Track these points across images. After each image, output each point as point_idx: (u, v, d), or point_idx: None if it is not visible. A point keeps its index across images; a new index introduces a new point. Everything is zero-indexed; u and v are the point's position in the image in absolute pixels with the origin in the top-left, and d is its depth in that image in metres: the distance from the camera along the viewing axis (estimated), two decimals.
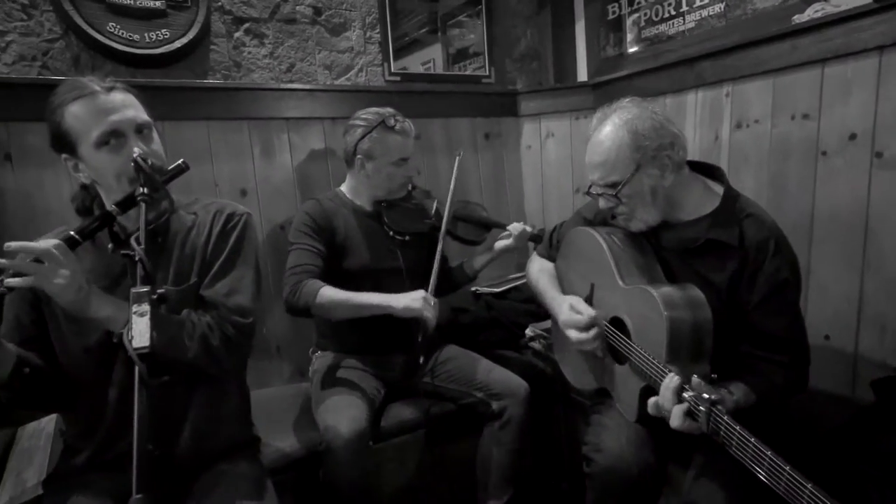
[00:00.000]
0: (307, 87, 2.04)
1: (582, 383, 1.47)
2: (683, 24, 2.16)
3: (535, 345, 2.07)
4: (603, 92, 2.40)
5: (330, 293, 1.54)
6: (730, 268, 1.19)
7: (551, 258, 1.62)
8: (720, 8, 2.02)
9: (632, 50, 2.39)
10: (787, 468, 0.82)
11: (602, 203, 1.28)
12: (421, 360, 1.61)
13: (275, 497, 1.21)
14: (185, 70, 1.88)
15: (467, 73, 2.54)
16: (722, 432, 0.94)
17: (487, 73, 2.56)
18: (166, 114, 1.75)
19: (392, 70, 2.30)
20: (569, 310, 1.35)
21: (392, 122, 1.70)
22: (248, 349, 1.25)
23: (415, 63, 2.42)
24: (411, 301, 1.55)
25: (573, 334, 1.32)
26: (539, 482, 1.91)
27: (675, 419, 1.00)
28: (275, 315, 1.98)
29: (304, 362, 1.91)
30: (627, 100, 1.27)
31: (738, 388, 1.11)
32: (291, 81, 2.08)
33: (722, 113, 1.88)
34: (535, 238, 1.84)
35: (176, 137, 1.80)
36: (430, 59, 2.49)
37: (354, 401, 1.55)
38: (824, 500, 0.77)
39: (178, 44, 1.79)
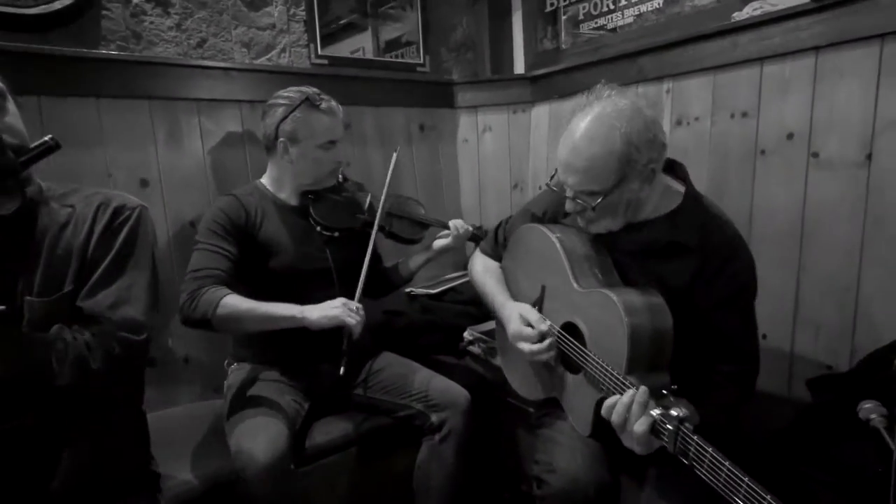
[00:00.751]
0: (221, 65, 1.81)
1: (529, 393, 1.37)
2: (622, 18, 2.12)
3: (475, 349, 1.96)
4: (542, 85, 2.33)
5: (233, 302, 1.34)
6: (689, 270, 1.13)
7: (497, 256, 1.50)
8: (658, 3, 1.99)
9: (569, 43, 2.33)
10: (769, 497, 0.75)
11: (569, 206, 1.16)
12: (342, 371, 1.43)
13: None
14: (69, 38, 1.59)
15: (401, 60, 2.38)
16: (691, 453, 0.86)
17: (422, 61, 2.41)
18: (45, 87, 1.47)
19: (319, 52, 2.11)
20: (518, 320, 1.24)
21: (317, 100, 1.52)
22: (139, 371, 1.04)
23: (343, 51, 2.23)
24: (328, 310, 1.38)
25: (525, 346, 1.21)
26: (481, 494, 1.80)
27: (637, 438, 0.92)
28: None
29: (219, 376, 1.69)
30: (614, 91, 1.10)
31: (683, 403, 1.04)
32: (203, 58, 1.84)
33: (663, 109, 1.85)
34: (475, 238, 1.73)
35: (58, 116, 1.52)
36: (359, 46, 2.30)
37: (272, 419, 1.36)
38: None
39: (58, 4, 1.51)
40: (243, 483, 1.24)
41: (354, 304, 1.43)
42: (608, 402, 0.99)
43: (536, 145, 2.41)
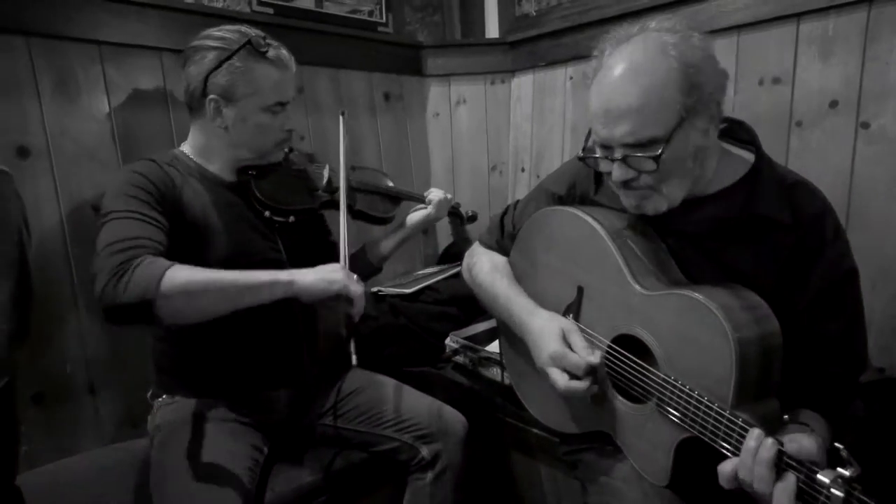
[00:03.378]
0: None
1: (562, 424, 1.06)
2: None
3: (460, 359, 1.65)
4: (523, 51, 2.05)
5: (184, 274, 0.95)
6: (777, 255, 0.87)
7: (504, 251, 1.19)
8: None
9: (553, 4, 2.05)
10: None
11: (618, 172, 0.86)
12: (354, 361, 1.07)
13: None
14: None
15: (361, 17, 2.01)
16: None
17: (384, 20, 2.06)
18: None
19: None
20: (560, 342, 0.93)
21: (263, 45, 1.14)
22: (6, 432, 0.65)
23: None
24: (327, 273, 1.05)
25: (560, 381, 0.91)
26: None
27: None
28: (84, 337, 1.30)
29: (136, 409, 1.29)
30: (657, 21, 0.87)
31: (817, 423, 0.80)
32: None
33: None
34: (455, 213, 1.51)
35: None
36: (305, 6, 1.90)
37: (222, 477, 1.00)
38: None
39: None
40: None
41: (354, 275, 1.09)
42: (726, 468, 0.71)
43: (518, 121, 2.12)
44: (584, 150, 0.93)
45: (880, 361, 1.32)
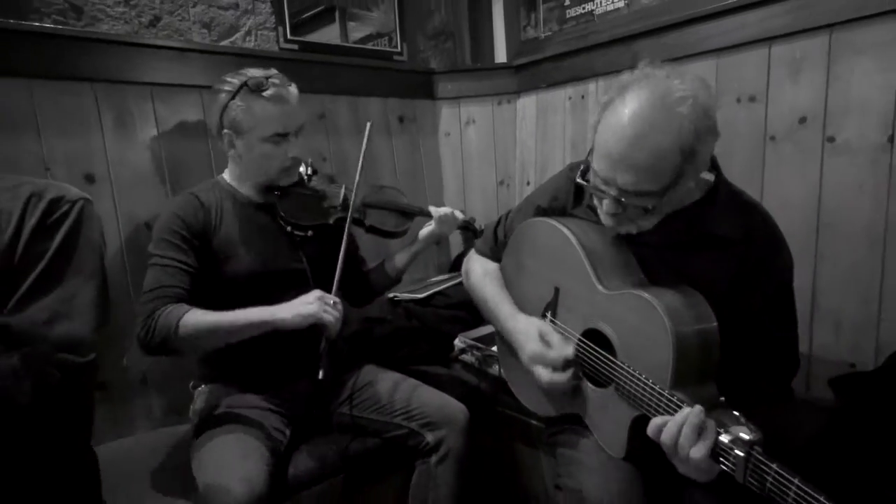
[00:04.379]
0: (177, 44, 1.60)
1: (542, 409, 1.21)
2: (612, 3, 2.02)
3: (467, 358, 1.80)
4: (527, 74, 2.21)
5: (193, 320, 1.18)
6: (729, 266, 1.00)
7: (497, 258, 1.35)
8: None
9: (555, 30, 2.21)
10: None
11: (610, 207, 0.96)
12: (321, 374, 1.25)
13: None
14: None
15: (378, 48, 2.21)
16: (769, 485, 0.72)
17: (399, 49, 2.25)
18: None
19: (289, 36, 1.92)
20: (538, 341, 1.08)
21: (262, 84, 1.30)
22: (87, 400, 0.85)
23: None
24: (300, 307, 1.21)
25: (544, 375, 1.06)
26: None
27: (696, 464, 0.78)
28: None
29: (181, 397, 1.48)
30: (664, 71, 0.90)
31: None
32: (157, 38, 1.62)
33: None
34: (467, 227, 1.60)
35: None
36: (326, 40, 2.11)
37: (251, 450, 1.18)
38: None
39: None
40: None
41: (331, 298, 1.25)
42: (656, 421, 0.85)
43: (523, 138, 2.28)
44: (582, 175, 1.02)
45: (851, 357, 1.42)
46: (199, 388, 1.40)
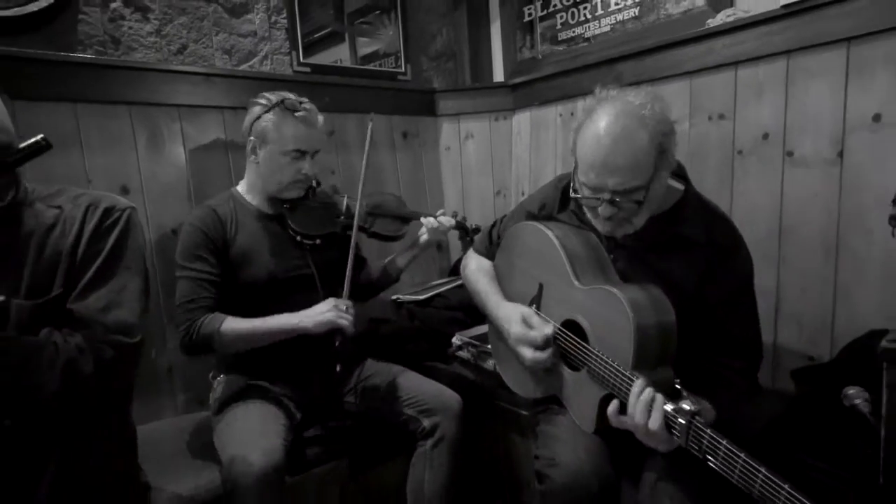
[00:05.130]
0: (202, 70, 1.79)
1: (527, 391, 1.36)
2: (599, 27, 2.18)
3: (464, 354, 1.95)
4: (522, 93, 2.37)
5: (233, 326, 1.39)
6: (694, 266, 1.14)
7: (491, 256, 1.51)
8: (634, 13, 2.06)
9: (548, 52, 2.38)
10: (786, 486, 0.76)
11: (606, 210, 1.08)
12: (338, 368, 1.45)
13: None
14: (44, 41, 1.55)
15: (383, 69, 2.39)
16: (705, 445, 0.87)
17: (403, 70, 2.43)
18: (18, 91, 1.42)
19: (301, 60, 2.10)
20: (521, 324, 1.23)
21: (295, 106, 1.50)
22: (132, 376, 1.01)
23: (323, 61, 2.22)
24: (318, 316, 1.40)
25: (527, 354, 1.21)
26: (475, 501, 1.78)
27: (653, 433, 0.93)
28: (165, 334, 1.69)
29: (202, 389, 1.64)
30: (617, 92, 1.09)
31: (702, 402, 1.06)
32: (184, 64, 1.81)
33: None
34: (461, 227, 1.73)
35: (32, 121, 1.46)
36: (337, 59, 2.30)
37: (268, 427, 1.33)
38: None
39: (33, 7, 1.47)
40: (236, 492, 1.20)
41: (344, 304, 1.42)
42: (616, 403, 0.99)
43: (518, 152, 2.44)
44: (573, 189, 1.16)
45: (811, 352, 1.56)
46: (219, 378, 1.56)
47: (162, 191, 1.71)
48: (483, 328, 2.04)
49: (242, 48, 1.96)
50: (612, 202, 1.07)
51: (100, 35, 1.66)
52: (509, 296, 1.38)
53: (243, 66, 1.95)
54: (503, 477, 1.83)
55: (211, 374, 1.58)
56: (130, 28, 1.72)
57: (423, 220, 1.71)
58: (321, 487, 1.50)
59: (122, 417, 1.08)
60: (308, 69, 2.12)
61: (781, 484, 0.77)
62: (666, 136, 1.05)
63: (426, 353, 1.99)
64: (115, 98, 1.63)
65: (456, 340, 1.99)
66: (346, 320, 1.39)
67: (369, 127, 1.60)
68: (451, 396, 1.58)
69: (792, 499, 0.77)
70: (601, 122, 1.04)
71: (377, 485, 1.61)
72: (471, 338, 1.98)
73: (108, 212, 1.00)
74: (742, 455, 0.83)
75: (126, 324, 0.95)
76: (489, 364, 1.83)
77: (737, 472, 0.83)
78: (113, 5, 1.68)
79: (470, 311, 2.11)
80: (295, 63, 2.09)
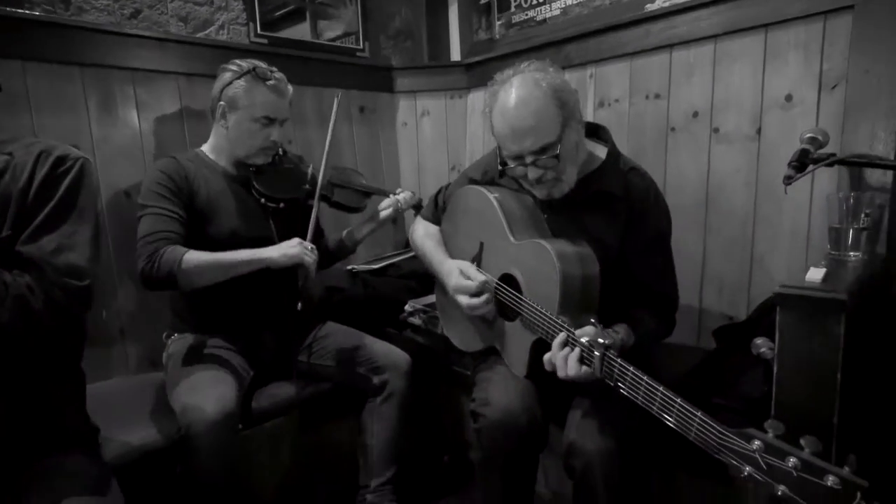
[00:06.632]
0: (158, 35, 1.79)
1: (469, 345, 1.45)
2: (550, 10, 2.28)
3: (415, 320, 2.03)
4: (476, 72, 2.45)
5: (195, 257, 1.39)
6: (616, 219, 1.25)
7: (437, 221, 1.59)
8: None
9: (502, 34, 2.46)
10: (679, 401, 0.87)
11: (533, 173, 1.20)
12: (299, 306, 1.50)
13: (120, 496, 1.03)
14: None
15: (343, 45, 2.43)
16: (616, 373, 0.97)
17: (362, 47, 2.47)
18: None
19: (259, 31, 2.12)
20: (459, 275, 1.32)
21: (266, 74, 1.54)
22: (83, 320, 1.04)
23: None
24: (287, 248, 1.45)
25: (464, 300, 1.30)
26: (421, 457, 1.87)
27: (571, 367, 1.03)
28: (117, 294, 1.70)
29: (155, 349, 1.67)
30: (525, 63, 1.22)
31: (621, 327, 1.17)
32: (138, 29, 1.81)
33: (587, 92, 2.00)
34: (418, 207, 1.80)
35: None
36: (300, 36, 2.31)
37: (221, 377, 1.38)
38: (712, 425, 0.82)
39: None
40: (190, 439, 1.24)
41: (309, 245, 1.48)
42: (546, 356, 1.10)
43: (473, 130, 2.52)
44: (500, 163, 1.27)
45: (730, 312, 1.70)
46: (173, 337, 1.59)
47: (114, 153, 1.72)
48: (434, 296, 2.13)
49: (198, 16, 1.97)
50: (534, 164, 1.18)
51: None
52: (453, 255, 1.46)
53: (199, 35, 1.96)
54: (449, 435, 1.92)
55: (165, 334, 1.61)
56: None
57: (398, 196, 1.74)
58: (273, 441, 1.56)
59: (72, 363, 1.11)
60: (265, 41, 2.14)
61: (674, 398, 0.88)
62: (561, 90, 1.16)
63: (380, 319, 2.06)
64: (67, 58, 1.62)
65: (408, 307, 2.07)
66: (310, 258, 1.45)
67: (335, 102, 1.66)
68: (400, 355, 1.66)
69: (684, 410, 0.88)
70: (506, 95, 1.17)
71: (328, 438, 1.68)
72: (423, 305, 2.06)
73: (60, 160, 1.02)
74: (645, 378, 0.93)
75: (76, 266, 0.99)
76: (439, 328, 1.92)
77: (640, 393, 0.93)
78: None
79: (422, 279, 2.19)
80: (252, 34, 2.11)
